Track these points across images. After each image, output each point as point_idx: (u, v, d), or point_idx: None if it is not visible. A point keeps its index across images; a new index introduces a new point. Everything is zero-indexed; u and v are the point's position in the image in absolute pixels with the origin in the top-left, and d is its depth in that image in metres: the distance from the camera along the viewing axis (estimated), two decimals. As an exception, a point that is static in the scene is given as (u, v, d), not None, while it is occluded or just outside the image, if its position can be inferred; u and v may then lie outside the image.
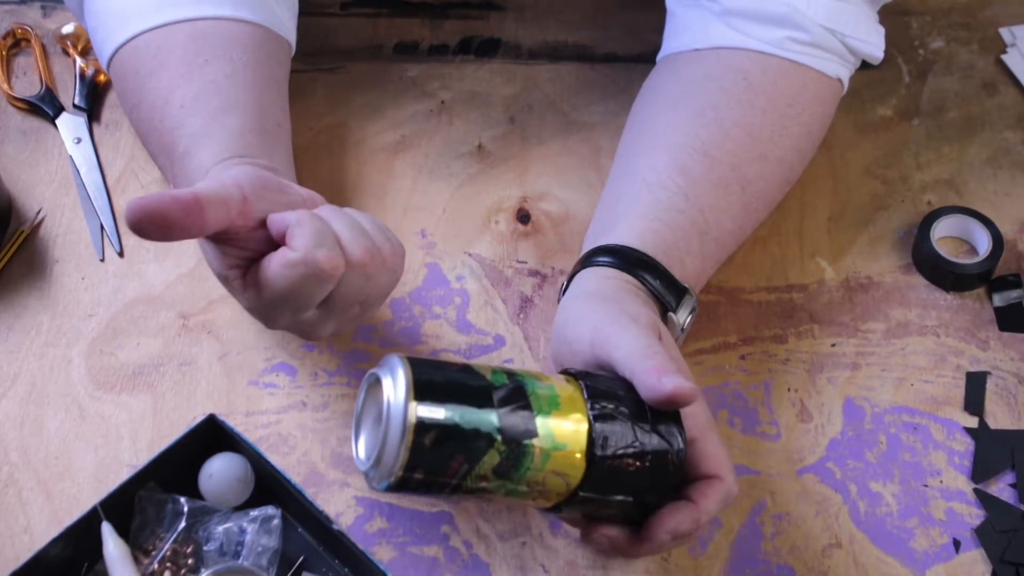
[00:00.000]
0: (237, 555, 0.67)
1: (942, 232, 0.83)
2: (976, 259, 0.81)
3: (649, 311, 0.66)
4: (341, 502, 0.71)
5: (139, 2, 0.78)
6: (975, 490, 0.72)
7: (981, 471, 0.73)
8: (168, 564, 0.67)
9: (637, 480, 0.58)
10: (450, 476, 0.56)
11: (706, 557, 0.69)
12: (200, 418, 0.70)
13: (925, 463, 0.73)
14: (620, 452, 0.58)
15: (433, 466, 0.55)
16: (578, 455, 0.57)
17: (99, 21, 0.80)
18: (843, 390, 0.76)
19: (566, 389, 0.59)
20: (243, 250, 0.63)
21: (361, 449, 0.58)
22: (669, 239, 0.71)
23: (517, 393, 0.57)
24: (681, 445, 0.59)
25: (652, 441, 0.58)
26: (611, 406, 0.58)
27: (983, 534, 0.70)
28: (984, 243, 0.81)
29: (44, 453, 0.73)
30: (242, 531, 0.67)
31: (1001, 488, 0.72)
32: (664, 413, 0.59)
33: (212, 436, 0.70)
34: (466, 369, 0.58)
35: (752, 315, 0.80)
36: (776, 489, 0.72)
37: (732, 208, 0.75)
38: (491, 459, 0.56)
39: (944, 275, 0.81)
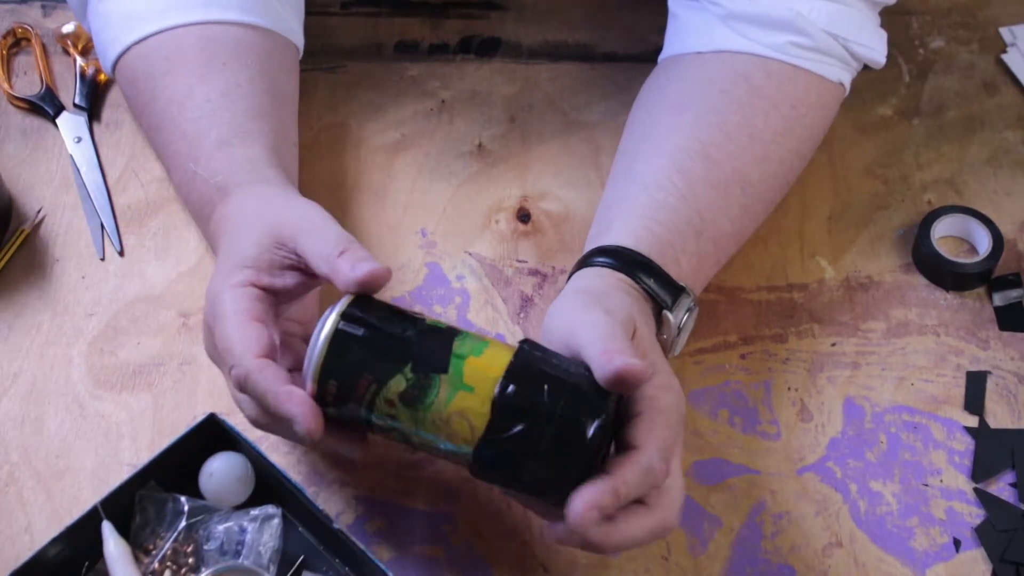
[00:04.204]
0: (237, 554, 0.67)
1: (942, 232, 0.83)
2: (976, 259, 0.81)
3: (629, 307, 0.66)
4: (341, 501, 0.71)
5: (146, 5, 0.78)
6: (975, 489, 0.72)
7: (981, 470, 0.73)
8: (168, 563, 0.67)
9: (545, 443, 0.57)
10: (360, 394, 0.58)
11: (706, 556, 0.69)
12: (200, 417, 0.70)
13: (925, 462, 0.73)
14: (528, 405, 0.57)
15: (344, 379, 0.58)
16: (485, 402, 0.57)
17: (104, 23, 0.80)
18: (843, 389, 0.76)
19: (501, 348, 0.60)
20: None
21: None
22: (664, 238, 0.71)
23: (444, 335, 0.59)
24: (598, 417, 0.57)
25: (567, 406, 0.57)
26: (539, 369, 0.58)
27: (983, 533, 0.70)
28: (984, 243, 0.81)
29: (44, 452, 0.73)
30: (242, 530, 0.68)
31: (1001, 487, 0.72)
32: (602, 390, 0.58)
33: (212, 435, 0.70)
34: (415, 315, 0.61)
35: (752, 314, 0.80)
36: (776, 488, 0.72)
37: (731, 209, 0.75)
38: (397, 384, 0.58)
39: (944, 275, 0.81)
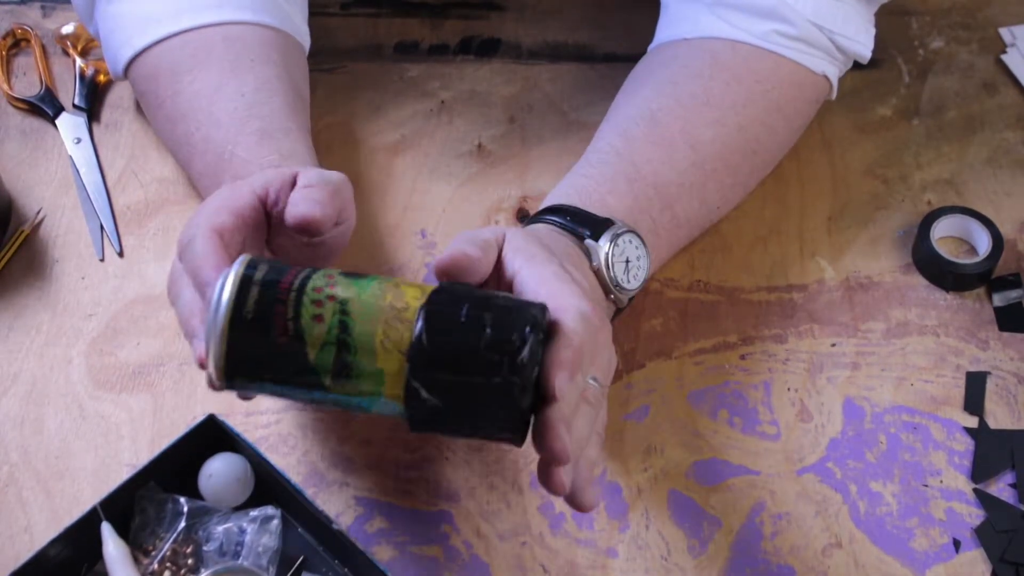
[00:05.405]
0: (237, 555, 0.67)
1: (942, 232, 0.83)
2: (976, 259, 0.81)
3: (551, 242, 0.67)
4: (341, 502, 0.71)
5: (159, 7, 0.78)
6: (975, 490, 0.72)
7: (981, 471, 0.73)
8: (168, 564, 0.67)
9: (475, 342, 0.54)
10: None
11: (706, 557, 0.69)
12: (200, 418, 0.70)
13: (925, 463, 0.73)
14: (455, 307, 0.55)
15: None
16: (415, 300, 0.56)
17: (115, 25, 0.80)
18: (843, 390, 0.76)
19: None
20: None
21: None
22: (589, 186, 0.73)
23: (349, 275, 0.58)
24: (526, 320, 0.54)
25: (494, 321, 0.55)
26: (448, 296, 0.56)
27: (983, 534, 0.70)
28: (984, 243, 0.81)
29: (44, 453, 0.73)
30: (242, 531, 0.68)
31: (1001, 488, 0.72)
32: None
33: (212, 436, 0.70)
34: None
35: (752, 315, 0.80)
36: (776, 489, 0.72)
37: (676, 162, 0.75)
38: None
39: (944, 275, 0.81)
